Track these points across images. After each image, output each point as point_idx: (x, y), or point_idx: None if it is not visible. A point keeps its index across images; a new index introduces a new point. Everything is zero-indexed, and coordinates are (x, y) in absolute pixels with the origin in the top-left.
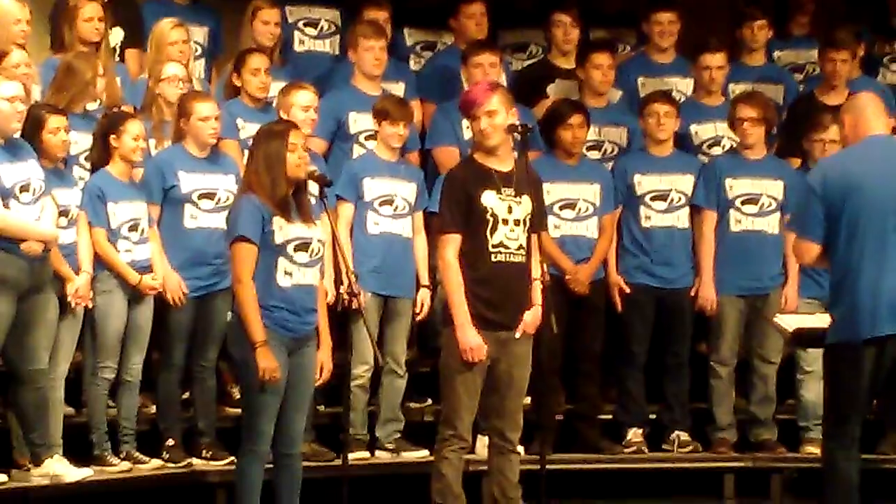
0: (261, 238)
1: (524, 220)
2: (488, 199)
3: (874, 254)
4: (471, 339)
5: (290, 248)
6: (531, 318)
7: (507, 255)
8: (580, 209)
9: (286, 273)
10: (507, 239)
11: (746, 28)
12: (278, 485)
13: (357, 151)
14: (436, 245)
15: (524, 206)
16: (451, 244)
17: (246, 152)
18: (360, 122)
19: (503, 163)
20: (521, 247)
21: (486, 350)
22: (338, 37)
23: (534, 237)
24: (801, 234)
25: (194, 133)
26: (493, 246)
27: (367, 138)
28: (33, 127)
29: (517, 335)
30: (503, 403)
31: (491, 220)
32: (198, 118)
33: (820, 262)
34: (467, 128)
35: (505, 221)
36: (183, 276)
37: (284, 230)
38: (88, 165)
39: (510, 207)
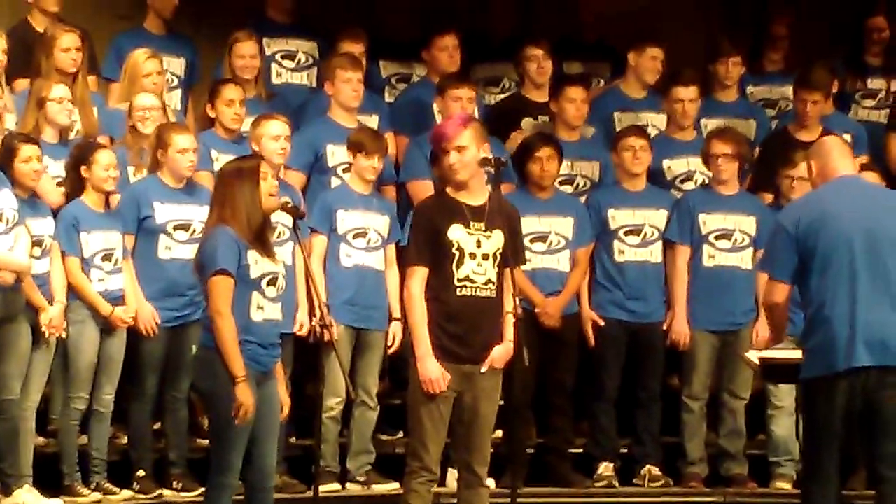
0: (237, 272)
1: (494, 255)
2: (455, 233)
3: (847, 287)
4: (431, 370)
5: (263, 283)
6: (500, 352)
7: (474, 290)
8: (551, 242)
9: (259, 307)
10: (474, 273)
11: (721, 64)
12: None
13: (335, 183)
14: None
15: (494, 240)
16: (417, 277)
17: None
18: (337, 154)
19: (474, 197)
20: (489, 281)
21: (449, 381)
22: (315, 69)
23: (507, 271)
24: (776, 276)
25: (171, 165)
26: (459, 280)
27: (344, 170)
28: (5, 156)
29: (483, 369)
30: (469, 436)
31: (457, 253)
32: (175, 150)
33: (786, 303)
34: None
35: (472, 256)
36: (156, 306)
37: (259, 264)
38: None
39: (479, 242)
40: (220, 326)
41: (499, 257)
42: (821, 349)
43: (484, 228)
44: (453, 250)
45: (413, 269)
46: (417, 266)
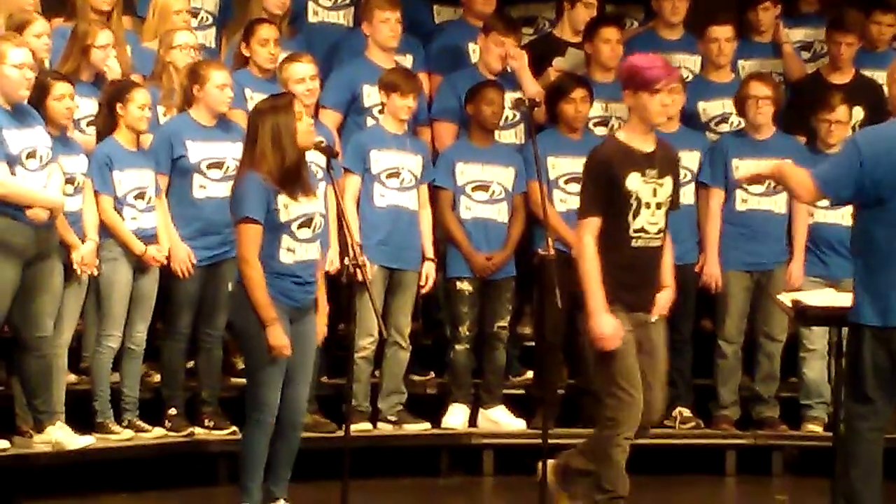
0: (266, 217)
1: (665, 203)
2: (633, 182)
3: None
4: (604, 326)
5: (294, 226)
6: (665, 299)
7: (647, 240)
8: None
9: (288, 250)
10: (648, 223)
11: (752, 10)
12: (276, 454)
13: (371, 124)
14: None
15: (666, 188)
16: (591, 227)
17: None
18: (373, 95)
19: (646, 143)
20: (660, 231)
21: (624, 334)
22: (352, 8)
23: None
24: (819, 178)
25: (208, 100)
26: (635, 231)
27: (380, 111)
28: (39, 94)
29: (653, 319)
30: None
31: (635, 203)
32: (214, 85)
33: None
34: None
35: (647, 205)
36: (192, 245)
37: (290, 208)
38: (89, 131)
39: (654, 190)
40: (246, 274)
41: (668, 204)
42: (881, 300)
43: (657, 175)
44: (631, 200)
45: (587, 220)
46: (592, 217)
